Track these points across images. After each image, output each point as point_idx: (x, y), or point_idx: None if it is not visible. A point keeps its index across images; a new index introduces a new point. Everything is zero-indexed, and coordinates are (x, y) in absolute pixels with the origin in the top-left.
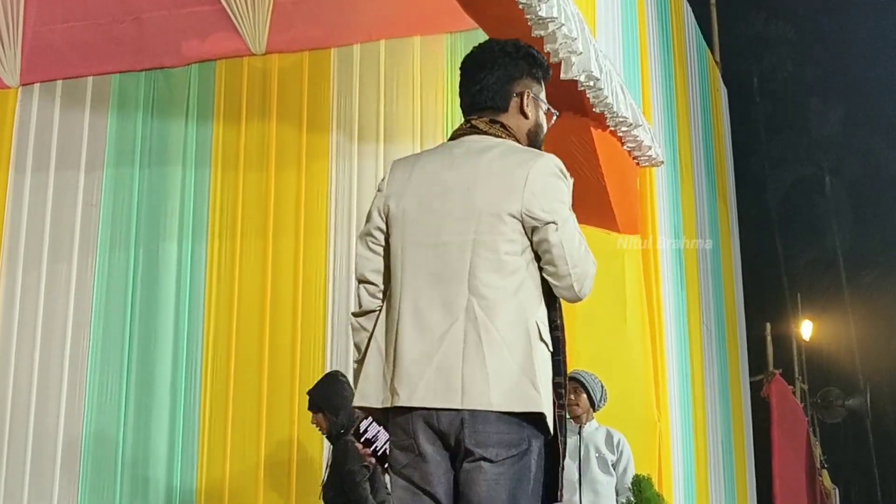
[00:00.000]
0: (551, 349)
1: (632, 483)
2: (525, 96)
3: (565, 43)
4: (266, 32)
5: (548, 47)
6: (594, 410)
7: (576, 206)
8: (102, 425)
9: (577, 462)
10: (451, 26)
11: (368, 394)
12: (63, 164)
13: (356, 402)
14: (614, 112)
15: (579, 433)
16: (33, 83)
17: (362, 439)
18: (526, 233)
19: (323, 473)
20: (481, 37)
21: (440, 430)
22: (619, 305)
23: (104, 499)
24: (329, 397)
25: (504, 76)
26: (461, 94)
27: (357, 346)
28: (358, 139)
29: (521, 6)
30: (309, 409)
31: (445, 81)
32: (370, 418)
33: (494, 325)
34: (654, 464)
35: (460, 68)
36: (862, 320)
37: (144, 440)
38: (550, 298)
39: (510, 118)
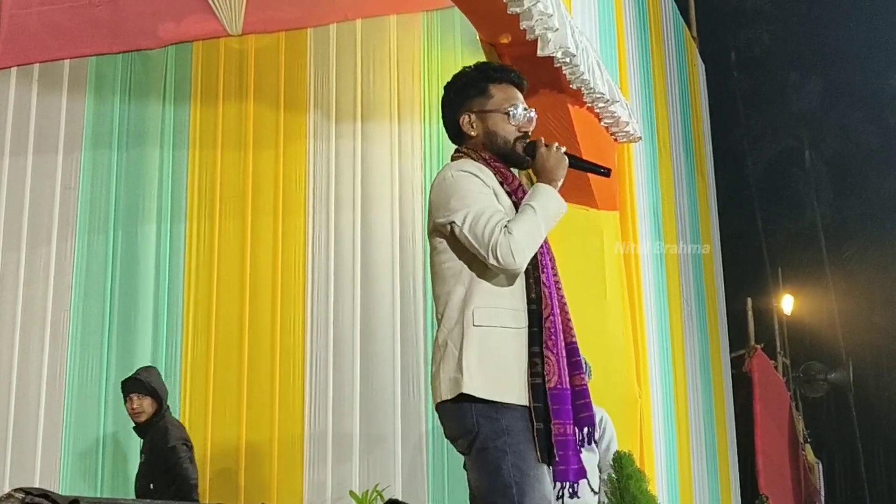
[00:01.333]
0: (516, 325)
1: (613, 459)
2: (463, 121)
3: (541, 20)
4: (242, 13)
5: (523, 24)
6: None
7: None
8: (83, 408)
9: None
10: (426, 4)
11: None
12: (41, 148)
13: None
14: (591, 88)
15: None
16: (10, 67)
17: None
18: (449, 242)
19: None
20: (457, 15)
21: None
22: (598, 282)
23: (86, 482)
24: (161, 385)
25: (448, 117)
26: None
27: None
28: (335, 119)
29: None
30: (137, 392)
31: (422, 60)
32: None
33: (445, 327)
34: (636, 440)
35: None
36: (843, 294)
37: (125, 423)
38: (521, 279)
39: (466, 143)
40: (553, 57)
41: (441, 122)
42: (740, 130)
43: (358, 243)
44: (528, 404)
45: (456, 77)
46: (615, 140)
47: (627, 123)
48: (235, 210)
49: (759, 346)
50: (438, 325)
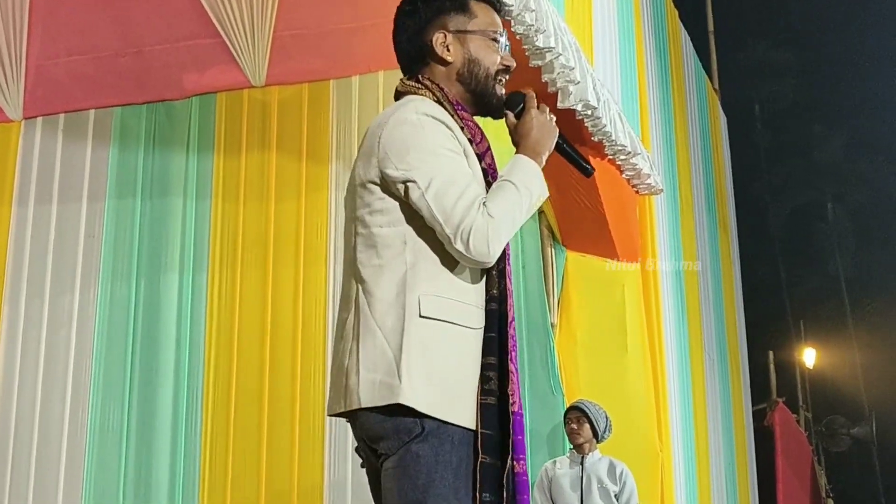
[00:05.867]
0: (470, 325)
1: None
2: (437, 40)
3: (563, 72)
4: (266, 65)
5: (545, 77)
6: (597, 441)
7: (575, 233)
8: (104, 458)
9: (580, 493)
10: None
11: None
12: (65, 197)
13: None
14: (612, 140)
15: (581, 463)
16: (36, 116)
17: None
18: (398, 199)
19: None
20: None
21: (359, 435)
22: (619, 334)
23: None
24: None
25: (412, 30)
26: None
27: None
28: None
29: (518, 37)
30: None
31: None
32: None
33: (371, 309)
34: (657, 494)
35: None
36: (866, 347)
37: (146, 472)
38: (486, 268)
39: (433, 70)
40: (574, 110)
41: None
42: (762, 182)
43: None
44: (475, 429)
45: None
46: (637, 192)
47: (649, 176)
48: (257, 260)
49: (781, 400)
50: (353, 304)
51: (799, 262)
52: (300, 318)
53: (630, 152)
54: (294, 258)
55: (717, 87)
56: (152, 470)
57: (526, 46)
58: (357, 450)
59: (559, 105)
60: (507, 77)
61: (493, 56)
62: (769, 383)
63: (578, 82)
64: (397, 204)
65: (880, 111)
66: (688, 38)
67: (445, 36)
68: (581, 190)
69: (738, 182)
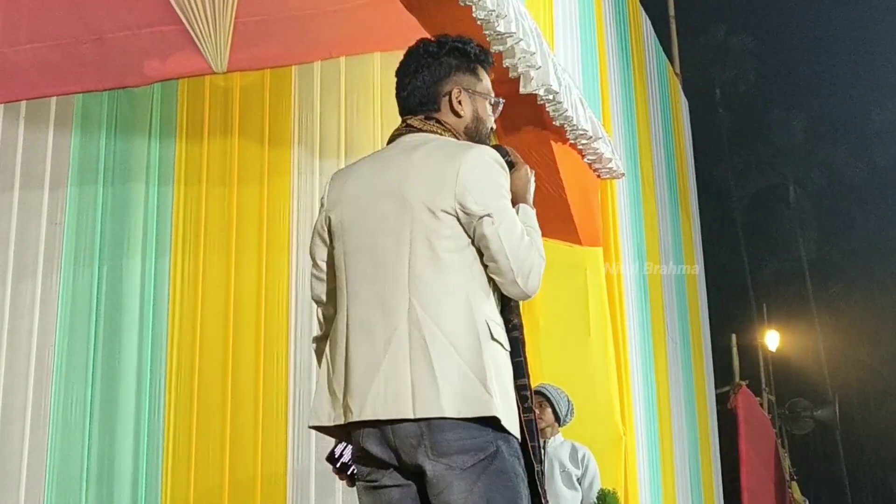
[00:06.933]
0: (508, 349)
1: (597, 498)
2: (453, 94)
3: (524, 58)
4: (227, 51)
5: (507, 62)
6: (559, 425)
7: (538, 218)
8: (67, 445)
9: None
10: (410, 43)
11: (320, 411)
12: (27, 184)
13: (311, 423)
14: (574, 125)
15: (543, 448)
16: None
17: (338, 465)
18: (465, 229)
19: None
20: None
21: (395, 446)
22: (582, 318)
23: None
24: None
25: (430, 78)
26: (397, 100)
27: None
28: (319, 155)
29: (479, 23)
30: None
31: None
32: (343, 442)
33: (439, 327)
34: (620, 478)
35: (396, 73)
36: (829, 330)
37: (109, 459)
38: (505, 297)
39: (444, 116)
40: (536, 94)
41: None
42: (724, 166)
43: None
44: (523, 442)
45: (446, 41)
46: (598, 176)
47: (610, 160)
48: (220, 245)
49: (744, 383)
50: (406, 317)
51: (761, 245)
52: (263, 304)
53: (591, 137)
54: (257, 243)
55: (678, 71)
56: (115, 457)
57: (487, 32)
58: (360, 459)
59: (521, 90)
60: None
61: (491, 118)
62: (732, 366)
63: (539, 67)
64: (464, 233)
65: (840, 95)
66: (649, 22)
67: (460, 92)
68: (543, 175)
69: (699, 166)
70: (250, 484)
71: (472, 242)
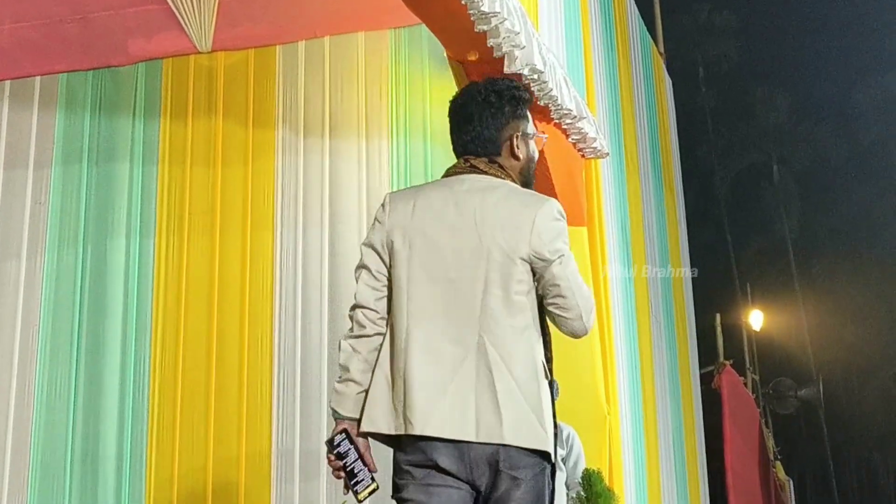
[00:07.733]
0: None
1: (582, 477)
2: (514, 139)
3: (508, 37)
4: (212, 31)
5: (491, 42)
6: None
7: None
8: (51, 425)
9: None
10: (394, 22)
11: (377, 420)
12: (12, 163)
13: (365, 428)
14: (558, 104)
15: None
16: None
17: (335, 451)
18: (532, 274)
19: None
20: (424, 32)
21: (470, 459)
22: None
23: (53, 499)
24: None
25: (493, 126)
26: (452, 139)
27: (344, 367)
28: (304, 134)
29: (463, 2)
30: None
31: (390, 77)
32: (343, 433)
33: (505, 363)
34: (605, 458)
35: (449, 113)
36: (813, 309)
37: (93, 439)
38: (546, 336)
39: (504, 160)
40: (520, 74)
41: (408, 138)
42: (708, 145)
43: (326, 258)
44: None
45: (508, 88)
46: (583, 156)
47: (595, 140)
48: (204, 225)
49: (728, 363)
50: (475, 348)
51: (745, 224)
52: (247, 283)
53: (576, 116)
54: (241, 223)
55: (662, 50)
56: (100, 437)
57: (471, 11)
58: (416, 464)
59: (505, 70)
60: None
61: (536, 155)
62: (716, 346)
63: (524, 47)
64: (531, 279)
65: (824, 74)
66: (632, 1)
67: (518, 137)
68: None
69: (683, 145)
70: (234, 463)
71: (536, 287)
